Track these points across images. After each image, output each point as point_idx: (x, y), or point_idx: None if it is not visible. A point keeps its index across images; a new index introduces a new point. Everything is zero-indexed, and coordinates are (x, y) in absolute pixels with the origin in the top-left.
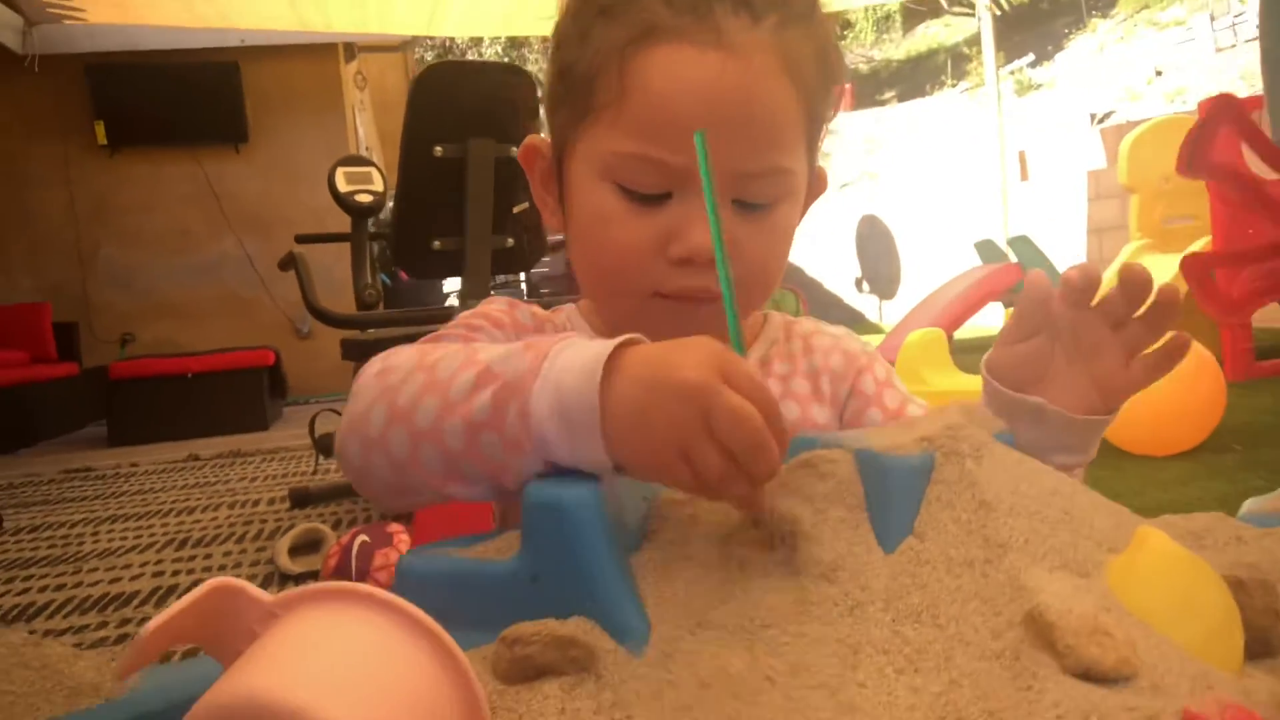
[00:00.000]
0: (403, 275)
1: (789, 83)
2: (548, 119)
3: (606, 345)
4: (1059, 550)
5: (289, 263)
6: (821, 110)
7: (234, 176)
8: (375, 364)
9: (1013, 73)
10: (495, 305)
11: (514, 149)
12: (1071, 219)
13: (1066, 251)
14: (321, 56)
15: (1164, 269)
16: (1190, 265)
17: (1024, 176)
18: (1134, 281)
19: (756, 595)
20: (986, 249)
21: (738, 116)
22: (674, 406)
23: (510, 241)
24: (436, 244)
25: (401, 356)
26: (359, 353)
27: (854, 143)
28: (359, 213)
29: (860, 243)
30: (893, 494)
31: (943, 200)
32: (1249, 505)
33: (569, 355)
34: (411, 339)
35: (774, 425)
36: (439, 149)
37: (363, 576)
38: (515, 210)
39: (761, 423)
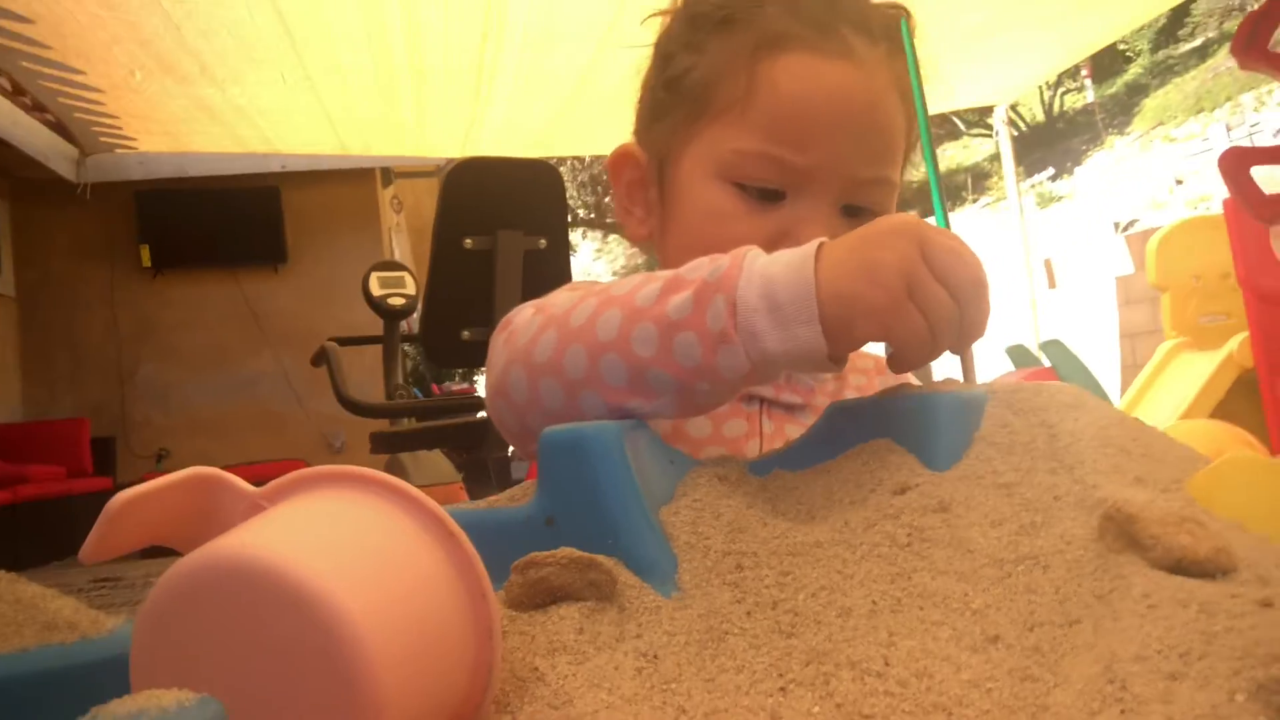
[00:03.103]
0: (435, 389)
1: (900, 102)
2: (643, 132)
3: (809, 245)
4: (1134, 471)
5: (321, 358)
6: (912, 137)
7: (272, 295)
8: (505, 327)
9: (1033, 186)
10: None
11: (543, 241)
12: (1103, 324)
13: (1100, 358)
14: (359, 181)
15: (1201, 367)
16: (1228, 162)
17: (1051, 284)
18: None
19: (798, 534)
20: (1018, 354)
21: (860, 124)
22: (897, 243)
23: None
24: (466, 334)
25: (548, 301)
26: (388, 445)
27: None
28: (391, 315)
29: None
30: (942, 429)
31: None
32: None
33: (767, 256)
34: (442, 432)
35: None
36: (469, 241)
37: None
38: None
39: (979, 262)
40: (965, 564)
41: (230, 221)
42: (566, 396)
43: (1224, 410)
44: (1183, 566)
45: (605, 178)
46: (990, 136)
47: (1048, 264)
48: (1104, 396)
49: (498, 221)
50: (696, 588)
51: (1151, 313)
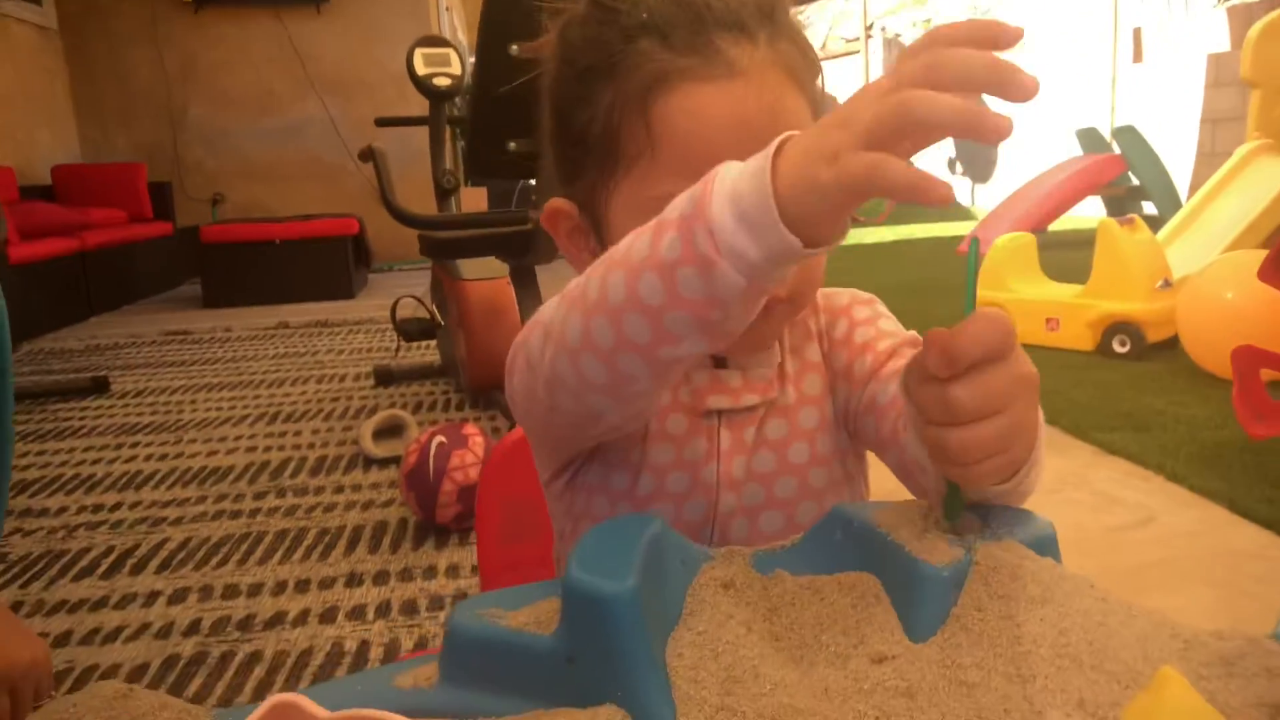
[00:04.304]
0: None
1: (797, 90)
2: (566, 185)
3: (772, 143)
4: (1079, 690)
5: (368, 156)
6: (818, 101)
7: (314, 37)
8: (530, 331)
9: None
10: None
11: None
12: (1186, 106)
13: (1177, 143)
14: None
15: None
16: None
17: (1138, 58)
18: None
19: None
20: (1089, 137)
21: (766, 134)
22: (864, 91)
23: None
24: (512, 145)
25: (566, 288)
26: (437, 251)
27: (956, 8)
28: (437, 96)
29: None
30: (925, 600)
31: (1047, 79)
32: None
33: (737, 169)
34: (490, 240)
35: None
36: (515, 48)
37: (440, 476)
38: None
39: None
40: None
41: None
42: (607, 367)
43: None
44: None
45: None
46: None
47: (1136, 34)
48: (1174, 193)
49: (543, 28)
50: None
51: (1240, 97)
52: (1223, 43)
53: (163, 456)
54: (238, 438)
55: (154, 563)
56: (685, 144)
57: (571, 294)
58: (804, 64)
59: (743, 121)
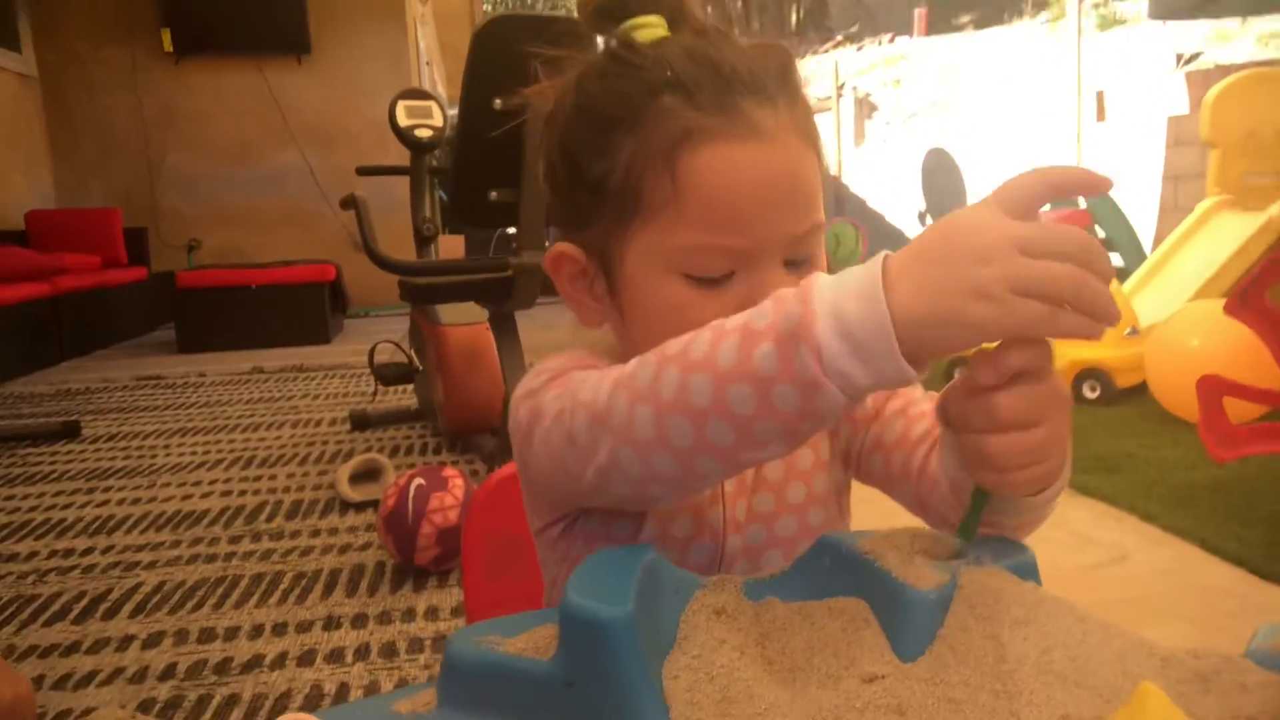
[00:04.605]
0: None
1: (812, 154)
2: (572, 230)
3: (873, 264)
4: (1062, 703)
5: (350, 203)
6: (823, 165)
7: (296, 88)
8: (575, 399)
9: (1096, 5)
10: (579, 355)
11: None
12: (1148, 164)
13: (1141, 198)
14: None
15: (1240, 227)
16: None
17: (1101, 117)
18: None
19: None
20: None
21: (785, 193)
22: (988, 249)
23: None
24: (493, 194)
25: (620, 370)
26: (416, 296)
27: (925, 71)
28: (418, 147)
29: (926, 176)
30: (912, 622)
31: (1014, 137)
32: (1263, 635)
33: (834, 289)
34: (470, 286)
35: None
36: (498, 101)
37: (419, 518)
38: None
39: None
40: None
41: (253, 6)
42: (681, 465)
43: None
44: None
45: None
46: None
47: (1100, 96)
48: (1139, 245)
49: (528, 82)
50: None
51: (1200, 156)
52: (1182, 105)
53: (135, 501)
54: (212, 482)
55: (127, 607)
56: (711, 199)
57: (631, 385)
58: (814, 129)
59: (767, 181)
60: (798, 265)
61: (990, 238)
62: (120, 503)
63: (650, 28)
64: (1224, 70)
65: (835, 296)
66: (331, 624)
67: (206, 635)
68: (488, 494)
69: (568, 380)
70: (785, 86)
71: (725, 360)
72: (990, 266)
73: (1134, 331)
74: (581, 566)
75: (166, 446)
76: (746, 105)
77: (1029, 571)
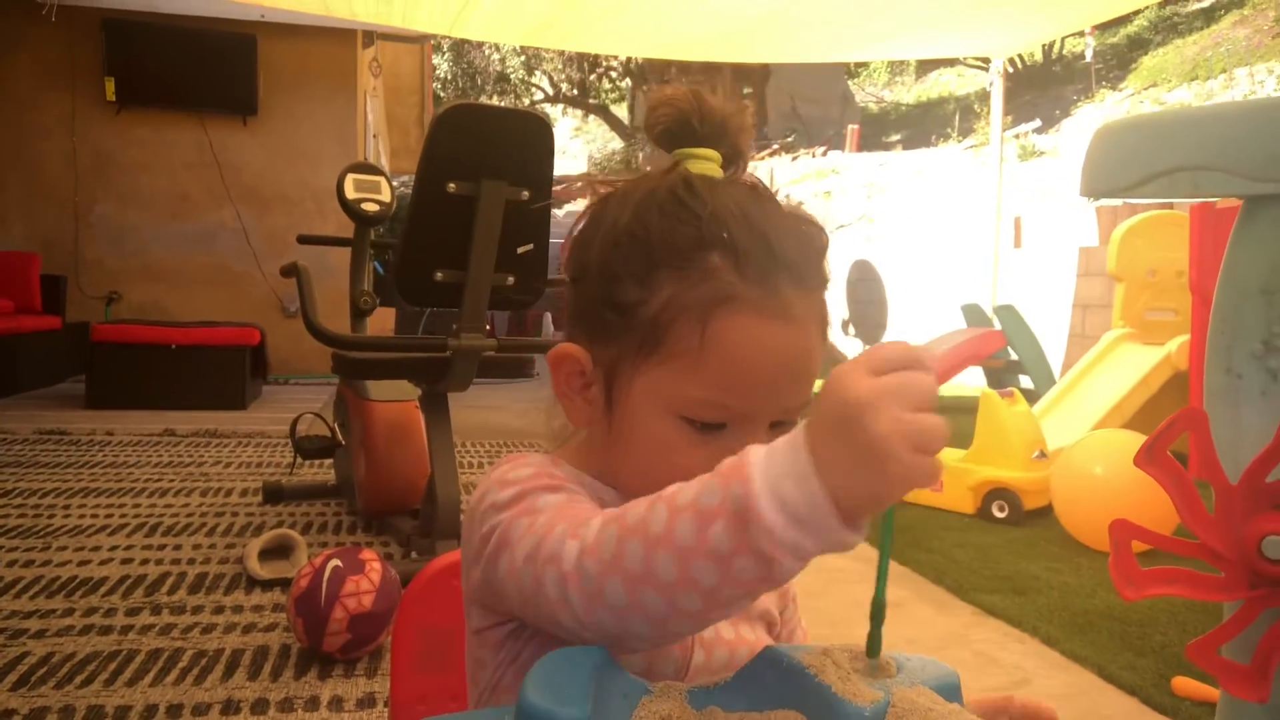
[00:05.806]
0: None
1: (822, 341)
2: (586, 342)
3: (795, 443)
4: None
5: (291, 271)
6: (825, 343)
7: (239, 148)
8: (534, 538)
9: (1018, 136)
10: (544, 465)
11: (525, 193)
12: (1060, 290)
13: (1052, 323)
14: (340, 40)
15: (1141, 360)
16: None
17: (1017, 243)
18: None
19: None
20: (972, 313)
21: (795, 373)
22: (874, 416)
23: (510, 280)
24: (439, 275)
25: (582, 531)
26: (350, 371)
27: (855, 185)
28: (364, 220)
29: (851, 286)
30: None
31: (936, 254)
32: None
33: (769, 475)
34: (404, 364)
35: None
36: (452, 185)
37: (332, 602)
38: (520, 251)
39: (920, 357)
40: None
41: (202, 65)
42: (654, 627)
43: (1155, 405)
44: None
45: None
46: (985, 69)
47: (1017, 222)
48: (1048, 369)
49: (483, 170)
50: None
51: (1107, 287)
52: (1092, 237)
53: (27, 563)
54: (112, 548)
55: (10, 678)
56: (732, 364)
57: (598, 554)
58: (828, 316)
59: (784, 362)
60: (782, 426)
61: (853, 396)
62: (11, 564)
63: (705, 162)
64: (1131, 209)
65: (771, 478)
66: (230, 708)
67: (95, 714)
68: (423, 585)
69: (533, 508)
70: (819, 273)
71: (683, 538)
72: (873, 427)
73: (1041, 455)
74: (536, 667)
75: (66, 507)
76: (785, 286)
77: (953, 692)
